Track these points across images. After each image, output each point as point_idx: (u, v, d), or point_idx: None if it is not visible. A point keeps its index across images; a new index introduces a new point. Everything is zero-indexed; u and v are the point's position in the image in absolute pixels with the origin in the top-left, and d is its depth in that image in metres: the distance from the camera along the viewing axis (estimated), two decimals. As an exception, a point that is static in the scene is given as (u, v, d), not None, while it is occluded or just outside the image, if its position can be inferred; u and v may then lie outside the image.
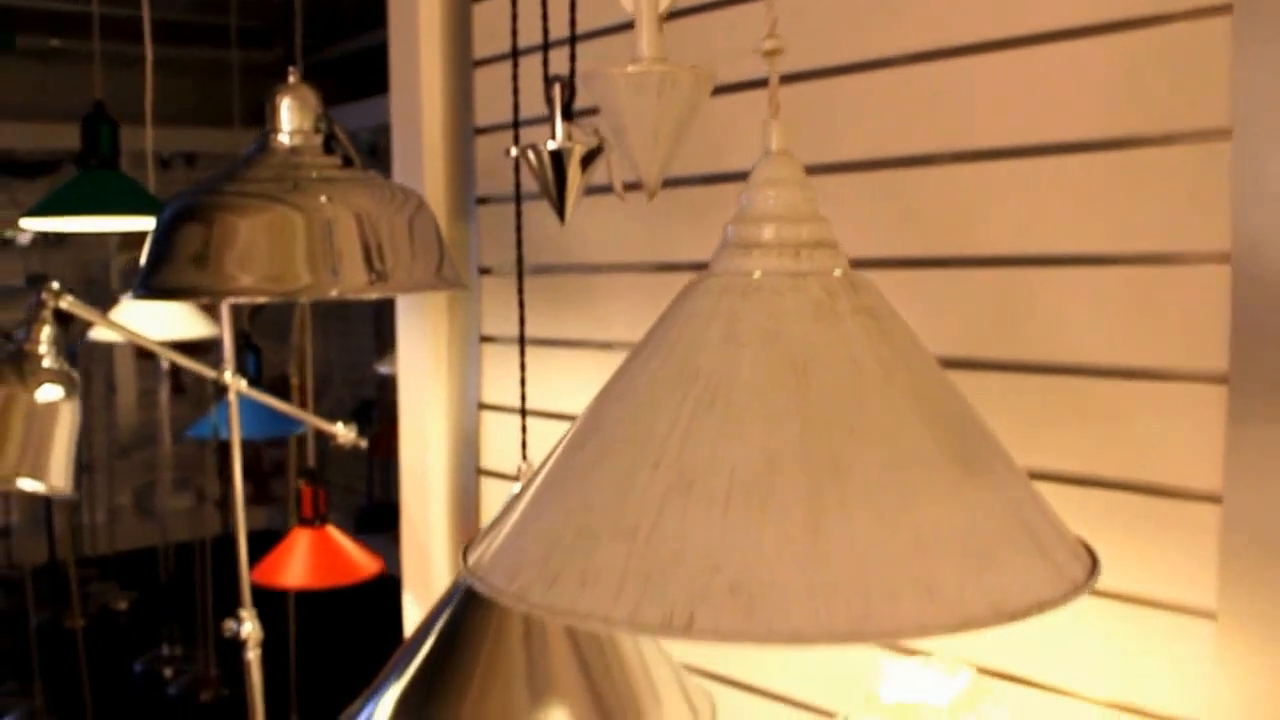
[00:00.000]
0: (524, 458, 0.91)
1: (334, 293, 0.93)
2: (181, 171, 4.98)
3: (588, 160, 0.88)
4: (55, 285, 1.10)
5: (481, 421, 1.37)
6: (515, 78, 0.88)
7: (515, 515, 0.55)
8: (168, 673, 3.83)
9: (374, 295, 0.95)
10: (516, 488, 0.62)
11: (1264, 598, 0.81)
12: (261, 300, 0.95)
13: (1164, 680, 0.87)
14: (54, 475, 1.04)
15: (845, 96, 1.00)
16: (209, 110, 4.65)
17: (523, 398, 0.86)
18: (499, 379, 1.35)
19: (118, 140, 1.42)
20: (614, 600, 0.47)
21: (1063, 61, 0.88)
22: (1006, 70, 0.91)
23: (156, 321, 1.69)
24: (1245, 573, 0.82)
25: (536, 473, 0.56)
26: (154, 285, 0.95)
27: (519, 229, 0.89)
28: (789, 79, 1.02)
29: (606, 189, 0.91)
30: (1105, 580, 0.89)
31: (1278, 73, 0.78)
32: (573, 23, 0.90)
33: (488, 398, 1.37)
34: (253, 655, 1.22)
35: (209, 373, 1.22)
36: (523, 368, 0.87)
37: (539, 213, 1.29)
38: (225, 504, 5.39)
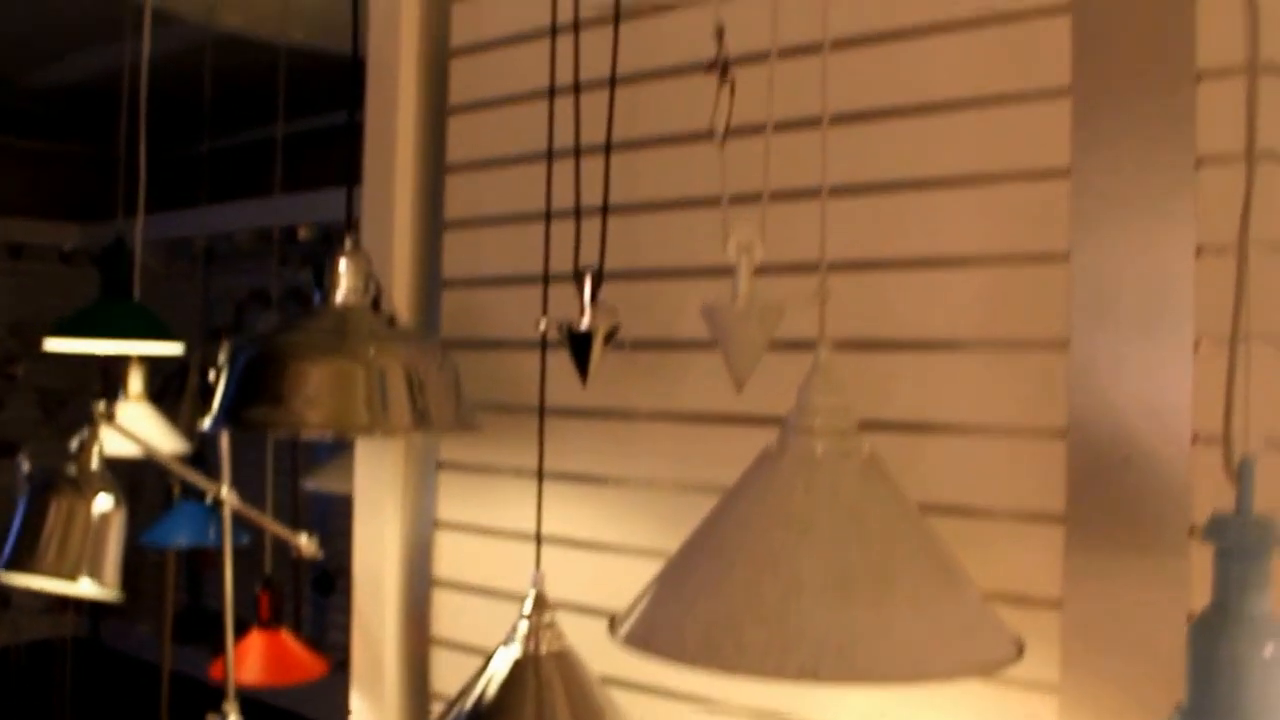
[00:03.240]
0: (538, 567, 1.17)
1: (386, 432, 1.19)
2: (4, 262, 4.93)
3: (609, 336, 1.19)
4: (103, 405, 1.31)
5: (436, 537, 1.63)
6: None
7: (658, 606, 0.84)
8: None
9: (416, 434, 1.21)
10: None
11: (1096, 678, 1.17)
12: (326, 436, 1.20)
13: (1018, 741, 1.21)
14: (108, 578, 1.24)
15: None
16: (36, 201, 4.68)
17: (538, 519, 1.13)
18: (453, 500, 1.61)
19: (134, 271, 1.61)
20: (763, 660, 0.76)
21: (953, 286, 1.25)
22: (910, 288, 1.28)
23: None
24: (1081, 657, 1.18)
25: (663, 574, 0.85)
26: (232, 418, 1.19)
27: (543, 379, 1.18)
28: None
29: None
30: (977, 667, 1.23)
31: (1099, 304, 1.16)
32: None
33: (442, 516, 1.63)
34: (237, 745, 1.41)
35: (209, 486, 1.43)
36: (539, 494, 1.15)
37: (494, 361, 1.57)
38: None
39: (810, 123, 1.18)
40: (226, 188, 4.39)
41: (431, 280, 1.65)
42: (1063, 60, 1.17)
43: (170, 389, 3.96)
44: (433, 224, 1.66)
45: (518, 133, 1.58)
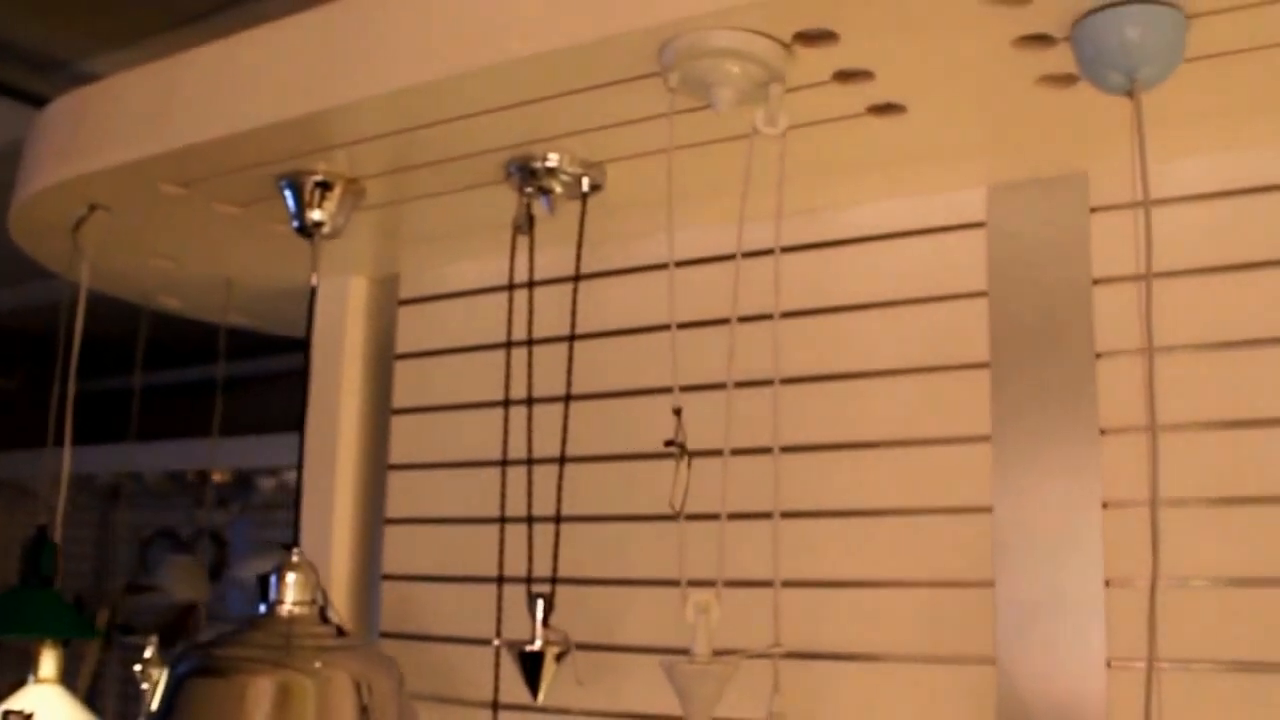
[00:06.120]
0: None
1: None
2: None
3: (560, 657, 1.26)
4: (15, 706, 1.33)
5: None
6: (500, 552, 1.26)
7: None
8: None
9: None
10: None
11: None
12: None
13: None
14: None
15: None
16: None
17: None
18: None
19: (55, 562, 1.64)
20: None
21: (882, 603, 1.36)
22: (850, 605, 1.38)
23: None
24: None
25: None
26: (169, 737, 1.22)
27: (496, 691, 1.24)
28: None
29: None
30: None
31: (1021, 625, 1.27)
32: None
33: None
34: None
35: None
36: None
37: (439, 654, 1.64)
38: None
39: (760, 451, 1.30)
40: (142, 426, 4.41)
41: (372, 575, 1.72)
42: (983, 409, 1.33)
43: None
44: (374, 519, 1.74)
45: (466, 435, 1.68)
